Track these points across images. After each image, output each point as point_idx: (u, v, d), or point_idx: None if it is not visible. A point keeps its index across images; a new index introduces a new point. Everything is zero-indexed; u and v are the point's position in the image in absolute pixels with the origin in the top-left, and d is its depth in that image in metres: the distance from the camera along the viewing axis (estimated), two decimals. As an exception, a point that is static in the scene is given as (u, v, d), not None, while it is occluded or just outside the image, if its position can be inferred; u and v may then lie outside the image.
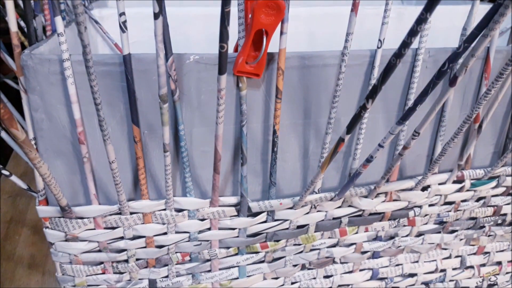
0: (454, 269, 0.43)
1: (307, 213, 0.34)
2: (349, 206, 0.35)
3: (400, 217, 0.37)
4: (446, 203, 0.38)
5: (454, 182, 0.37)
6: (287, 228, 0.35)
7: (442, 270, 0.43)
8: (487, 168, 0.37)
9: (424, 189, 0.36)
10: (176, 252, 0.34)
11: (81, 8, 0.20)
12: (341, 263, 0.39)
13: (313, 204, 0.34)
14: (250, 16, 0.25)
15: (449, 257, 0.42)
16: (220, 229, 0.33)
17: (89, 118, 0.28)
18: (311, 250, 0.37)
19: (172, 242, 0.33)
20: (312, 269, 0.39)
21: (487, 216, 0.40)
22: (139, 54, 0.26)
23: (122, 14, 0.24)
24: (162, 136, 0.27)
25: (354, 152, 0.33)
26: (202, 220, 0.33)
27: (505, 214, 0.41)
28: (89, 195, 0.30)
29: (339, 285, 0.40)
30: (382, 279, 0.41)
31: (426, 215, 0.38)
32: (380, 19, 0.28)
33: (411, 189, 0.36)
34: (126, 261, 0.34)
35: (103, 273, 0.34)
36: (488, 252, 0.43)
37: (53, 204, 0.30)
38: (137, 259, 0.34)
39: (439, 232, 0.40)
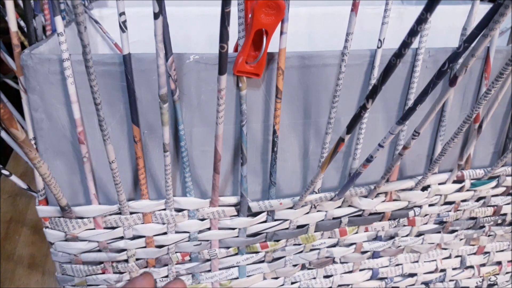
0: (454, 269, 0.43)
1: (307, 213, 0.34)
2: (349, 206, 0.35)
3: (400, 217, 0.37)
4: (446, 203, 0.38)
5: (454, 182, 0.37)
6: (287, 228, 0.35)
7: (442, 270, 0.43)
8: (487, 168, 0.37)
9: (424, 189, 0.36)
10: (176, 252, 0.34)
11: (81, 8, 0.20)
12: (341, 263, 0.39)
13: (313, 204, 0.34)
14: (250, 16, 0.25)
15: (449, 257, 0.42)
16: (220, 229, 0.33)
17: (89, 118, 0.28)
18: (311, 250, 0.37)
19: (172, 242, 0.33)
20: (312, 269, 0.39)
21: (487, 216, 0.40)
22: (139, 54, 0.26)
23: (122, 14, 0.24)
24: (162, 136, 0.27)
25: (354, 152, 0.33)
26: (202, 220, 0.33)
27: (505, 214, 0.41)
28: (89, 195, 0.30)
29: (339, 285, 0.40)
30: (382, 279, 0.41)
31: (426, 215, 0.38)
32: (380, 19, 0.28)
33: (411, 189, 0.36)
34: (126, 261, 0.34)
35: (103, 273, 0.34)
36: (488, 252, 0.43)
37: (53, 204, 0.30)
38: (137, 259, 0.34)
39: (439, 232, 0.40)
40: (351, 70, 0.30)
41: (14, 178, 0.30)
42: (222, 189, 0.32)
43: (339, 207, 0.35)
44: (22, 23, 0.32)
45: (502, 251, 0.44)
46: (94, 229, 0.32)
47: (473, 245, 0.42)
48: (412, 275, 0.42)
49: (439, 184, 0.36)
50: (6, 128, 0.20)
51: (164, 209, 0.32)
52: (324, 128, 0.31)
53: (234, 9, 0.25)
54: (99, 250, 0.33)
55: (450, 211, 0.38)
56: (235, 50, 0.28)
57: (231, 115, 0.29)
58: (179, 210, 0.32)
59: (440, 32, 0.46)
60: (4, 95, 0.29)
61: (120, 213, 0.31)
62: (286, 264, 0.37)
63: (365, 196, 0.35)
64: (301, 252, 0.37)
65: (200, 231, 0.33)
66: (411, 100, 0.32)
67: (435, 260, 0.42)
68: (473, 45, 0.21)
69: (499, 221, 0.41)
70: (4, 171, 0.30)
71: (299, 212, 0.34)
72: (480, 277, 0.44)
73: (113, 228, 0.32)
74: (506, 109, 0.35)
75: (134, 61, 0.26)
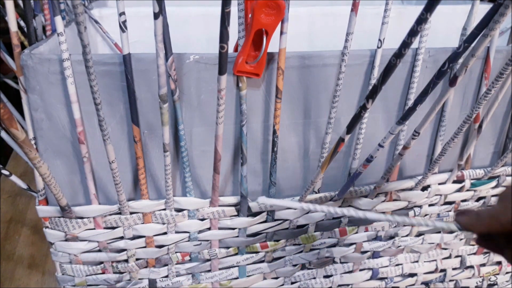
0: (454, 269, 0.43)
1: (307, 213, 0.34)
2: (349, 206, 0.35)
3: (400, 217, 0.37)
4: (446, 203, 0.38)
5: (454, 182, 0.37)
6: (287, 228, 0.35)
7: (442, 270, 0.43)
8: (487, 168, 0.37)
9: (424, 189, 0.36)
10: (176, 252, 0.34)
11: (81, 8, 0.20)
12: (341, 263, 0.39)
13: (313, 204, 0.34)
14: (250, 16, 0.25)
15: (449, 257, 0.42)
16: (220, 229, 0.33)
17: (89, 118, 0.28)
18: (311, 250, 0.37)
19: (172, 242, 0.33)
20: (312, 269, 0.38)
21: (487, 216, 0.40)
22: (139, 54, 0.26)
23: (122, 13, 0.24)
24: (162, 136, 0.27)
25: (354, 152, 0.33)
26: (202, 220, 0.33)
27: (505, 214, 0.41)
28: (89, 195, 0.30)
29: (339, 285, 0.40)
30: (382, 279, 0.41)
31: (426, 215, 0.38)
32: (380, 19, 0.28)
33: (411, 189, 0.36)
34: (126, 261, 0.34)
35: (103, 273, 0.34)
36: (488, 252, 0.43)
37: (53, 204, 0.30)
38: (137, 259, 0.34)
39: (439, 232, 0.40)
40: (351, 70, 0.30)
41: (14, 178, 0.30)
42: (222, 189, 0.32)
43: (339, 207, 0.35)
44: (22, 23, 0.32)
45: (502, 251, 0.44)
46: (94, 229, 0.32)
47: (473, 245, 0.42)
48: (412, 275, 0.42)
49: (439, 184, 0.36)
50: (6, 128, 0.20)
51: (164, 209, 0.32)
52: (324, 128, 0.31)
53: (234, 9, 0.25)
54: (99, 250, 0.33)
55: (450, 211, 0.38)
56: (235, 50, 0.28)
57: (231, 115, 0.29)
58: (179, 210, 0.32)
59: (440, 32, 0.46)
60: (4, 95, 0.29)
61: (120, 213, 0.31)
62: (286, 264, 0.37)
63: (365, 196, 0.35)
64: (301, 252, 0.37)
65: (200, 231, 0.33)
66: (411, 100, 0.32)
67: (435, 260, 0.42)
68: (473, 45, 0.21)
69: (499, 221, 0.41)
70: (4, 171, 0.30)
71: (299, 212, 0.34)
72: (480, 277, 0.44)
73: (113, 228, 0.32)
74: (506, 109, 0.35)
75: (134, 61, 0.26)
